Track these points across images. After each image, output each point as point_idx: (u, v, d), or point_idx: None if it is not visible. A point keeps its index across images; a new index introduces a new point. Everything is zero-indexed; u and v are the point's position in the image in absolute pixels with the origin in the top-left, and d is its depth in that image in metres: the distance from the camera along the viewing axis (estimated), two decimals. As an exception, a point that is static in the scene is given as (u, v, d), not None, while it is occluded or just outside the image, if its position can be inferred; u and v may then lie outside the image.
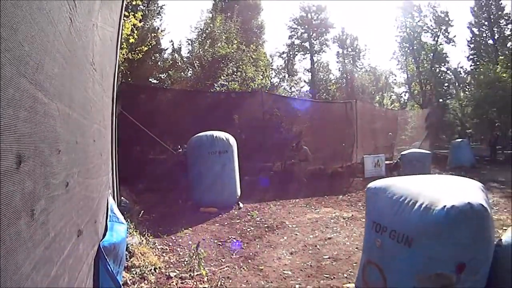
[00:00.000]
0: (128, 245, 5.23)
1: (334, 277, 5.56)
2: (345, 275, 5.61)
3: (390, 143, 23.68)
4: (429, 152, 17.30)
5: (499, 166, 21.28)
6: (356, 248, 6.81)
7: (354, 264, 5.91)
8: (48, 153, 1.41)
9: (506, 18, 39.53)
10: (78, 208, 2.09)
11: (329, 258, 6.47)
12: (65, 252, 1.77)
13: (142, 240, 6.32)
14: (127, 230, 5.14)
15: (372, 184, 4.49)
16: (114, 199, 5.61)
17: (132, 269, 5.09)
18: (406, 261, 3.54)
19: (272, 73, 40.48)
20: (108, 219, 3.70)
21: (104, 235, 3.30)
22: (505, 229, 7.54)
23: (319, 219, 9.49)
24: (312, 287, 5.22)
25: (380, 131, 23.42)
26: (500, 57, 32.05)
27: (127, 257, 5.09)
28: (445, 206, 3.26)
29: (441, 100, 43.50)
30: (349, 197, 13.03)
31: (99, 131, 3.14)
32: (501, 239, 3.57)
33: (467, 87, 38.63)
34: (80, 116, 2.15)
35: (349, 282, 5.17)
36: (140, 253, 5.58)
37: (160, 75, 21.49)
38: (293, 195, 12.69)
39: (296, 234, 8.06)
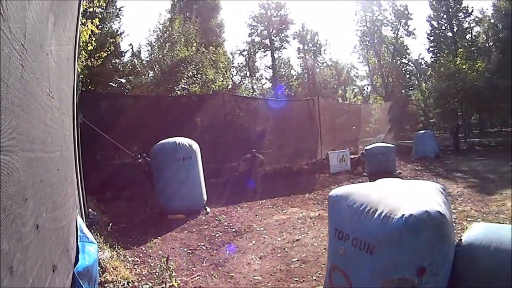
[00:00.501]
0: (100, 261, 5.24)
1: (303, 280, 5.70)
2: (314, 278, 5.76)
3: (355, 137, 24.04)
4: (393, 145, 17.56)
5: (462, 155, 21.77)
6: (324, 249, 6.92)
7: (323, 266, 6.03)
8: (16, 207, 1.45)
9: (464, 11, 40.61)
10: (50, 244, 2.13)
11: (297, 260, 6.60)
12: (42, 293, 1.82)
13: (113, 254, 6.32)
14: (98, 247, 5.16)
15: (333, 192, 4.62)
16: (82, 213, 5.62)
17: (106, 285, 5.10)
18: (369, 267, 3.71)
19: (233, 71, 40.51)
20: (78, 240, 3.72)
21: (77, 258, 3.33)
22: (469, 221, 7.84)
23: (286, 220, 9.61)
24: (282, 291, 5.34)
25: (343, 125, 23.74)
26: (460, 50, 33.08)
27: (100, 273, 5.10)
28: (403, 215, 3.43)
29: (403, 91, 44.50)
30: (315, 195, 13.11)
31: (61, 157, 3.14)
32: (461, 239, 3.77)
33: (429, 78, 39.43)
34: (42, 153, 2.17)
35: (318, 285, 5.30)
36: (112, 267, 5.59)
37: (121, 79, 21.28)
38: (260, 196, 12.74)
39: (264, 238, 8.16)
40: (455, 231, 4.73)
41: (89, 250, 3.71)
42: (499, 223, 6.61)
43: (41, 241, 1.88)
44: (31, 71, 1.90)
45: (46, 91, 2.43)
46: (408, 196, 3.83)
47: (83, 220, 4.81)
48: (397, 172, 16.52)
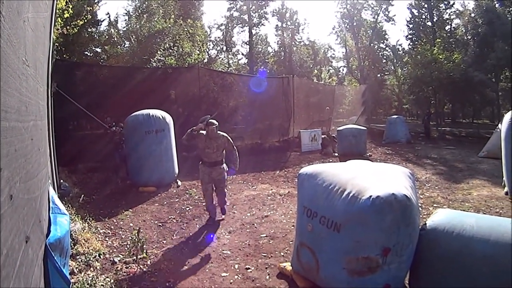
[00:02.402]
0: (72, 233, 5.21)
1: (271, 256, 5.80)
2: (282, 254, 5.87)
3: (328, 117, 24.16)
4: (365, 128, 17.72)
5: (432, 143, 22.32)
6: (292, 226, 7.06)
7: (290, 242, 6.16)
8: (-10, 177, 1.44)
9: (446, 2, 40.95)
10: (23, 215, 2.12)
11: (266, 236, 6.72)
12: (17, 264, 1.82)
13: (85, 226, 6.30)
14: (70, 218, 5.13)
15: (303, 170, 4.70)
16: (54, 185, 5.56)
17: (77, 257, 5.11)
18: (335, 245, 3.84)
19: (210, 45, 40.16)
20: (50, 211, 3.69)
21: (49, 230, 3.31)
22: (435, 206, 8.02)
23: (256, 196, 9.72)
24: (250, 266, 5.41)
25: (317, 105, 23.84)
26: (438, 40, 33.58)
27: (71, 244, 5.09)
28: (371, 196, 3.55)
29: (379, 75, 44.80)
30: (285, 172, 13.27)
31: (35, 126, 3.09)
32: (425, 224, 3.88)
33: (405, 65, 39.89)
34: (17, 122, 2.14)
35: (286, 261, 5.37)
36: (84, 239, 5.59)
37: (96, 49, 20.97)
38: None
39: (234, 213, 8.25)
40: (421, 216, 4.86)
41: (61, 221, 3.67)
42: (464, 211, 6.78)
43: (14, 211, 1.86)
44: (7, 38, 1.86)
45: (22, 59, 2.39)
46: (376, 178, 3.93)
47: (55, 191, 4.76)
48: (368, 154, 16.74)
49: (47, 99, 4.92)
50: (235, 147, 7.57)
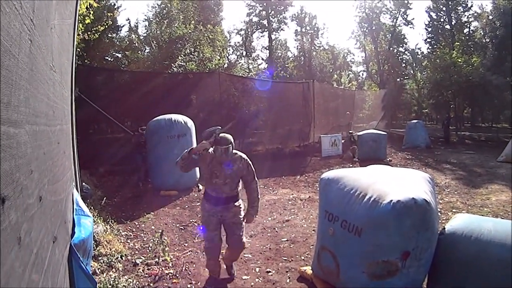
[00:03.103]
0: (94, 234, 5.29)
1: (292, 260, 5.82)
2: (303, 258, 5.89)
3: (348, 122, 24.08)
4: (385, 133, 17.59)
5: (452, 147, 22.04)
6: (313, 230, 7.06)
7: (311, 247, 6.19)
8: (23, 179, 1.49)
9: (464, 5, 40.43)
10: (51, 215, 2.18)
11: (287, 240, 6.73)
12: (46, 263, 1.87)
13: (107, 228, 6.40)
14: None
15: (325, 175, 4.72)
16: (76, 187, 5.65)
17: (100, 258, 5.21)
18: (356, 249, 3.86)
19: (229, 50, 40.29)
20: (74, 213, 3.76)
21: (73, 231, 3.38)
22: (454, 211, 7.94)
23: (277, 201, 9.73)
24: (271, 269, 5.44)
25: (337, 110, 23.82)
26: (456, 43, 32.97)
27: (94, 246, 5.17)
28: (391, 200, 3.56)
29: (398, 80, 44.47)
30: (306, 177, 13.23)
31: (61, 130, 3.17)
32: (444, 228, 3.87)
33: (424, 69, 39.48)
34: (45, 126, 2.20)
35: (306, 265, 5.38)
36: (106, 241, 5.69)
37: (117, 54, 21.20)
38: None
39: (255, 217, 8.21)
40: (439, 221, 4.86)
41: (84, 223, 3.75)
42: (482, 216, 6.74)
43: (43, 212, 1.92)
44: (38, 45, 1.93)
45: (49, 65, 2.45)
46: (396, 183, 3.94)
47: (78, 193, 4.85)
48: (388, 159, 16.65)
49: (71, 103, 5.03)
50: (256, 177, 5.03)
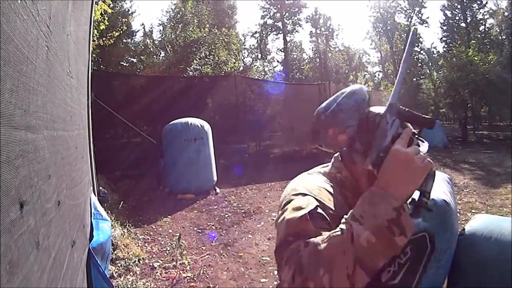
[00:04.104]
0: (112, 238, 5.33)
1: (309, 263, 5.75)
2: (319, 259, 5.82)
3: (364, 123, 23.96)
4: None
5: (470, 147, 21.89)
6: (330, 232, 6.98)
7: (329, 249, 6.09)
8: (41, 183, 1.50)
9: (479, 2, 40.02)
10: (69, 220, 2.20)
11: (304, 242, 6.67)
12: (64, 267, 1.89)
13: (124, 232, 6.43)
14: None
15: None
16: (94, 191, 5.70)
17: (117, 262, 5.24)
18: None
19: (244, 53, 40.39)
20: (92, 217, 3.79)
21: (91, 234, 3.41)
22: (473, 212, 7.84)
23: (294, 203, 9.64)
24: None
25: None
26: (472, 41, 32.66)
27: (112, 249, 5.19)
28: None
29: (414, 80, 44.12)
30: (324, 180, 13.08)
31: (78, 135, 3.20)
32: (463, 229, 3.82)
33: (440, 68, 39.18)
34: (63, 131, 2.22)
35: (323, 268, 5.34)
36: (123, 245, 5.72)
37: (132, 59, 21.37)
38: (269, 178, 12.76)
39: (273, 219, 8.13)
40: (459, 221, 4.77)
41: (102, 227, 3.78)
42: (502, 216, 6.65)
43: (61, 217, 1.94)
44: (54, 52, 1.94)
45: (66, 71, 2.48)
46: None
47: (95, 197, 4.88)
48: (404, 160, 16.38)
49: (87, 108, 5.07)
50: None
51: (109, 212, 6.75)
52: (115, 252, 5.41)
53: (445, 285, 4.01)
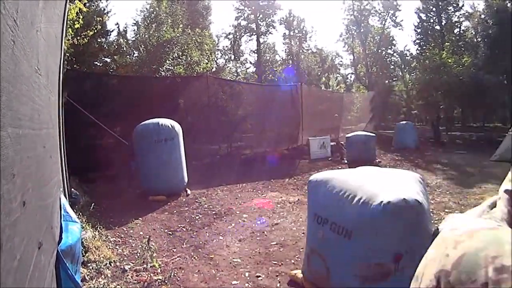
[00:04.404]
0: (83, 240, 5.24)
1: (282, 264, 5.78)
2: (293, 261, 5.86)
3: (336, 125, 24.16)
4: (373, 134, 17.76)
5: (442, 148, 22.30)
6: (303, 233, 7.01)
7: (301, 250, 6.11)
8: (4, 182, 1.46)
9: (455, 5, 40.83)
10: (36, 221, 2.14)
11: (276, 244, 6.70)
12: (30, 269, 1.84)
13: (96, 234, 6.32)
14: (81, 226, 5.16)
15: (313, 177, 4.69)
16: (65, 193, 5.59)
17: (89, 264, 5.15)
18: (347, 252, 3.80)
19: (218, 54, 40.36)
20: (62, 219, 3.71)
21: (60, 237, 3.33)
22: (447, 212, 7.96)
23: (266, 204, 9.69)
24: (261, 274, 5.40)
25: (325, 112, 23.85)
26: (446, 43, 33.55)
27: (83, 252, 5.11)
28: (381, 201, 3.53)
29: (387, 82, 44.75)
30: (295, 180, 13.28)
31: (47, 135, 3.13)
32: (437, 228, 3.82)
33: (413, 70, 39.89)
34: (30, 129, 2.17)
35: (296, 268, 5.34)
36: (95, 247, 5.62)
37: (106, 59, 21.17)
38: (240, 179, 12.79)
39: (244, 221, 8.24)
40: (432, 222, 4.83)
41: (72, 229, 3.69)
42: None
43: (27, 217, 1.88)
44: (21, 47, 1.89)
45: (34, 68, 2.42)
46: (386, 184, 3.90)
47: (66, 199, 4.79)
48: (377, 161, 16.69)
49: (58, 108, 4.97)
50: None
51: (80, 214, 6.67)
52: (86, 254, 5.33)
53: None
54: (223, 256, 6.19)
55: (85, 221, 6.62)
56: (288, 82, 20.46)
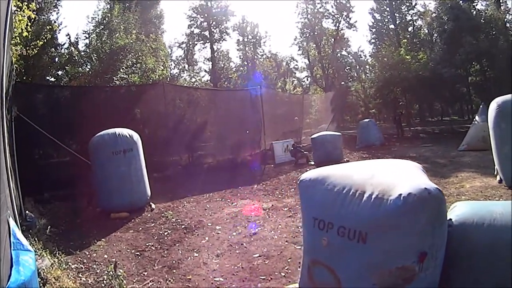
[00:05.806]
0: (39, 271, 4.59)
1: (271, 278, 5.26)
2: (283, 274, 5.35)
3: (297, 127, 24.21)
4: (339, 133, 17.94)
5: (408, 142, 23.07)
6: (286, 241, 6.62)
7: (289, 260, 5.70)
8: None
9: (408, 4, 42.62)
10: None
11: (260, 256, 6.16)
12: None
13: (55, 261, 5.62)
14: (36, 254, 4.50)
15: (305, 176, 4.10)
16: (16, 217, 4.96)
17: (48, 300, 4.49)
18: (361, 259, 3.24)
19: (171, 64, 40.09)
20: (11, 249, 3.10)
21: (10, 270, 2.79)
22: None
23: (238, 213, 9.22)
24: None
25: (286, 116, 24.05)
26: (403, 41, 35.77)
27: (41, 285, 4.45)
28: (401, 194, 3.04)
29: (343, 83, 45.69)
30: (264, 185, 13.02)
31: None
32: (450, 219, 3.41)
33: (369, 69, 41.01)
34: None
35: (289, 282, 4.88)
36: (54, 278, 4.96)
37: (58, 72, 20.77)
38: (206, 189, 12.33)
39: (218, 233, 7.69)
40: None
41: (25, 260, 3.09)
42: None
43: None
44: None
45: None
46: (397, 174, 3.45)
47: (18, 224, 4.17)
48: (345, 160, 16.63)
49: (2, 122, 4.36)
50: None
51: (36, 239, 5.95)
52: (45, 287, 4.65)
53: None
54: (202, 275, 5.59)
55: (41, 247, 5.88)
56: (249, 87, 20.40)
